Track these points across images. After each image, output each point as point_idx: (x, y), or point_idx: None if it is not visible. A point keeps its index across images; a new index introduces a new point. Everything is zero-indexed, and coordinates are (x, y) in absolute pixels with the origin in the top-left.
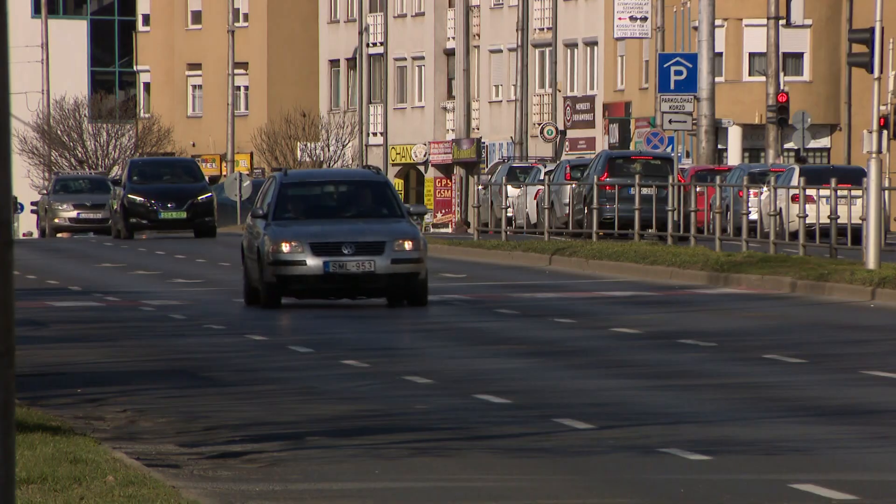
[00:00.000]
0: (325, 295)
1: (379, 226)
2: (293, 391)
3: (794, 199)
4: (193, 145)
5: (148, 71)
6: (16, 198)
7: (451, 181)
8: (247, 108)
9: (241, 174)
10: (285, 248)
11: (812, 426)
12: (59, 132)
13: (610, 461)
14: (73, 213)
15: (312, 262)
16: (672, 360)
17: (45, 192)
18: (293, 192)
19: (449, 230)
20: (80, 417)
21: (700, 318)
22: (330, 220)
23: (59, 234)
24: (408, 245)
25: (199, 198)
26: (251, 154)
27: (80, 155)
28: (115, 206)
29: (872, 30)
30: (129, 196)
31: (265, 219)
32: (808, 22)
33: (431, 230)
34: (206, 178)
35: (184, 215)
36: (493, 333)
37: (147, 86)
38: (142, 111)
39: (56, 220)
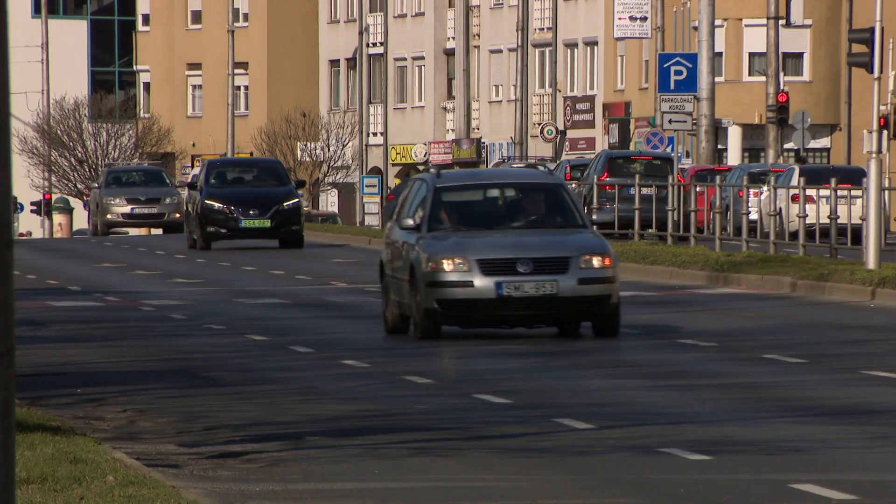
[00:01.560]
0: (495, 323)
1: (559, 238)
2: (293, 391)
3: (794, 199)
4: (193, 145)
5: (148, 71)
6: (15, 197)
7: None
8: (247, 108)
9: None
10: (447, 265)
11: (812, 426)
12: (59, 132)
13: (610, 461)
14: (127, 209)
15: (481, 284)
16: (672, 360)
17: (96, 185)
18: (449, 197)
19: None
20: (80, 417)
21: (700, 318)
22: (496, 232)
23: (111, 231)
24: (597, 261)
25: (285, 204)
26: (251, 154)
27: (80, 155)
28: (190, 212)
29: (872, 30)
30: (206, 202)
31: (417, 230)
32: (808, 22)
33: None
34: (294, 180)
35: (267, 223)
36: (493, 333)
37: (147, 86)
38: (142, 111)
39: (108, 216)
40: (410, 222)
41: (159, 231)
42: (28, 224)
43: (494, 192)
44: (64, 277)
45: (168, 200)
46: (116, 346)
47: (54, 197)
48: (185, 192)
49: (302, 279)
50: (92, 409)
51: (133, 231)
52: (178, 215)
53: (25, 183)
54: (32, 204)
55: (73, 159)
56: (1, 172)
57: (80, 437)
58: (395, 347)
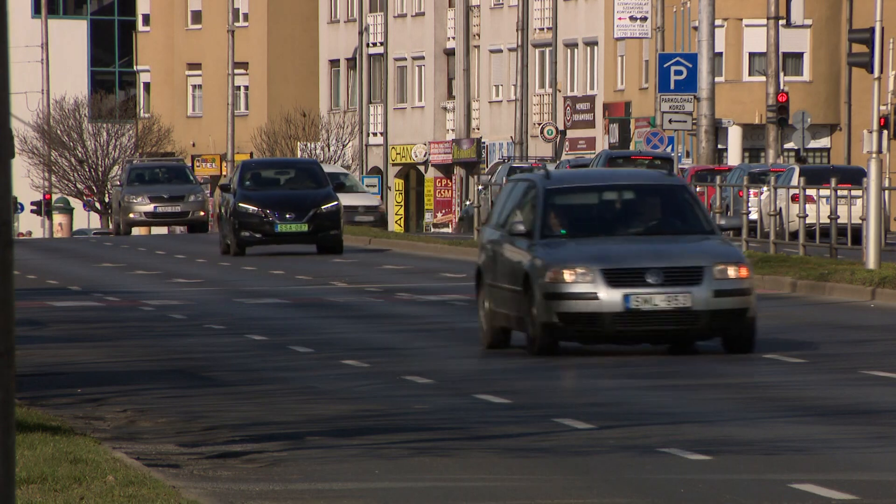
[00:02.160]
0: (620, 339)
1: (688, 245)
2: (293, 391)
3: (794, 199)
4: (193, 145)
5: (148, 71)
6: (16, 197)
7: (451, 181)
8: (247, 108)
9: None
10: (568, 276)
11: (812, 426)
12: (59, 132)
13: (610, 461)
14: (149, 207)
15: (607, 296)
16: (672, 360)
17: (118, 182)
18: (561, 200)
19: (449, 230)
20: (80, 417)
21: None
22: (617, 239)
23: (134, 231)
24: (732, 271)
25: (323, 207)
26: (251, 154)
27: (80, 155)
28: (223, 216)
29: (872, 30)
30: (240, 205)
31: (528, 237)
32: (808, 22)
33: (432, 230)
34: (330, 182)
35: (305, 228)
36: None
37: (147, 86)
38: (142, 111)
39: (130, 215)
40: (521, 228)
41: (181, 229)
42: (28, 224)
43: (611, 195)
44: (64, 277)
45: (192, 198)
46: (116, 346)
47: (54, 197)
48: (217, 194)
49: (302, 279)
50: (92, 409)
51: (156, 230)
52: (202, 213)
53: (25, 183)
54: (32, 204)
55: (73, 159)
56: (1, 173)
57: (80, 437)
58: (395, 347)
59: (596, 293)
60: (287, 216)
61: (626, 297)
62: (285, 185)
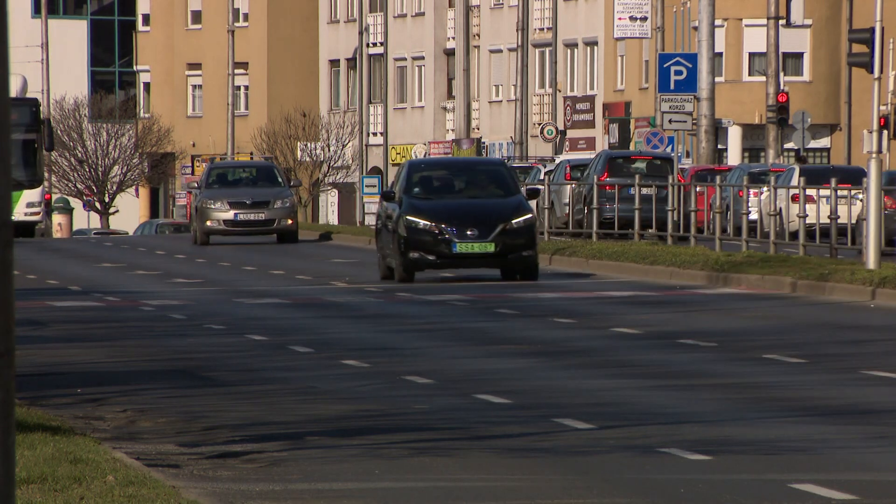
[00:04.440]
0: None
1: None
2: (293, 391)
3: (794, 199)
4: (193, 145)
5: (148, 71)
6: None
7: None
8: (247, 108)
9: None
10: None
11: (812, 426)
12: (59, 132)
13: (610, 461)
14: (229, 214)
15: None
16: (672, 360)
17: (196, 185)
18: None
19: None
20: (80, 417)
21: (700, 318)
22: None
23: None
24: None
25: (513, 221)
26: (251, 154)
27: (80, 155)
28: (385, 231)
29: (872, 30)
30: (408, 218)
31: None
32: (808, 22)
33: None
34: (523, 188)
35: (490, 248)
36: (493, 333)
37: (147, 86)
38: (142, 111)
39: (207, 223)
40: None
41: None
42: None
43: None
44: (64, 277)
45: (279, 204)
46: (116, 346)
47: (54, 197)
48: (376, 205)
49: (302, 279)
50: (92, 409)
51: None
52: (290, 221)
53: None
54: (27, 207)
55: (73, 159)
56: (1, 173)
57: (80, 437)
58: (395, 347)
59: None
60: (468, 233)
61: None
62: (463, 192)
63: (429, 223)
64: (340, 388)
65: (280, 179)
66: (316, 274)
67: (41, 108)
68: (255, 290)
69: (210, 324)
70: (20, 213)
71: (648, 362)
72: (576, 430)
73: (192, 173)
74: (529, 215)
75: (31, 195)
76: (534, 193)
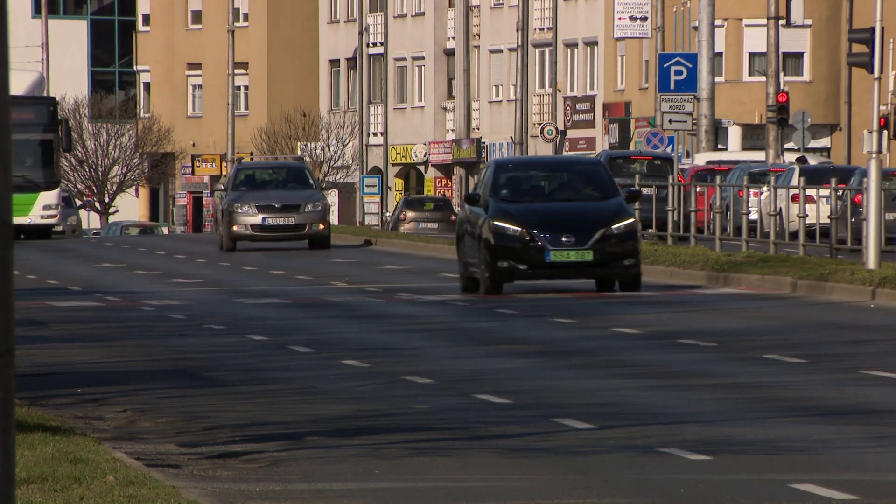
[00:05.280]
0: None
1: None
2: (293, 391)
3: (794, 199)
4: (193, 145)
5: (148, 71)
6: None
7: (451, 181)
8: (247, 108)
9: None
10: None
11: (812, 426)
12: None
13: (610, 461)
14: (257, 219)
15: None
16: (672, 360)
17: (221, 186)
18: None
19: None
20: (80, 417)
21: (700, 318)
22: None
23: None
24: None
25: (614, 226)
26: (251, 154)
27: (80, 155)
28: (467, 236)
29: (872, 30)
30: (496, 223)
31: None
32: (808, 22)
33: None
34: (621, 189)
35: (588, 256)
36: (493, 333)
37: (147, 86)
38: (142, 111)
39: (234, 228)
40: None
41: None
42: None
43: None
44: (64, 277)
45: (310, 207)
46: (116, 346)
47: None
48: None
49: (302, 279)
50: (92, 409)
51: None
52: (322, 226)
53: None
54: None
55: (73, 159)
56: (1, 173)
57: (80, 437)
58: (395, 347)
59: None
60: (563, 239)
61: None
62: (557, 193)
63: (519, 228)
64: (340, 388)
65: (311, 181)
66: (316, 274)
67: (58, 107)
68: (255, 290)
69: (210, 324)
70: (36, 215)
71: (648, 362)
72: (576, 430)
73: (193, 173)
74: (631, 220)
75: (47, 197)
76: (634, 196)
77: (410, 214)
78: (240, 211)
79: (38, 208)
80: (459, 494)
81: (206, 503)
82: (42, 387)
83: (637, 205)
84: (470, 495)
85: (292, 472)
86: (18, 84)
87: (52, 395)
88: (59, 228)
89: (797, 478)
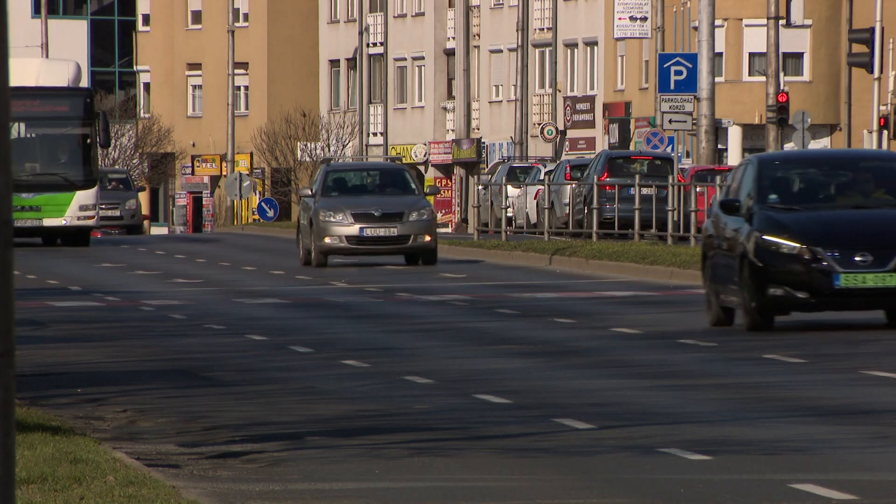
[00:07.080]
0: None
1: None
2: (293, 391)
3: None
4: (193, 145)
5: (148, 71)
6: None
7: (451, 181)
8: (247, 108)
9: (241, 174)
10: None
11: (812, 426)
12: None
13: (610, 461)
14: (353, 229)
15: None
16: (672, 360)
17: (308, 191)
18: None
19: (449, 230)
20: (80, 417)
21: (700, 318)
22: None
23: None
24: None
25: None
26: (251, 154)
27: None
28: (738, 255)
29: (872, 30)
30: (765, 238)
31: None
32: (808, 22)
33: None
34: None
35: (892, 281)
36: (493, 333)
37: (147, 86)
38: (142, 111)
39: (326, 240)
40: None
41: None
42: None
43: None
44: (64, 277)
45: (414, 216)
46: (116, 346)
47: None
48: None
49: (302, 279)
50: (92, 409)
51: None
52: (428, 238)
53: None
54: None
55: None
56: (1, 172)
57: (80, 437)
58: (395, 347)
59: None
60: (856, 258)
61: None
62: (844, 198)
63: (796, 245)
64: (340, 388)
65: (413, 186)
66: (316, 274)
67: (95, 99)
68: (255, 290)
69: (210, 324)
70: (72, 216)
71: (648, 362)
72: (576, 430)
73: (193, 173)
74: None
75: (84, 197)
76: None
77: None
78: (332, 220)
79: (75, 209)
80: (459, 494)
81: (206, 503)
82: (42, 387)
83: None
84: (470, 495)
85: (292, 472)
86: (59, 75)
87: (52, 395)
88: (117, 213)
89: (797, 478)
